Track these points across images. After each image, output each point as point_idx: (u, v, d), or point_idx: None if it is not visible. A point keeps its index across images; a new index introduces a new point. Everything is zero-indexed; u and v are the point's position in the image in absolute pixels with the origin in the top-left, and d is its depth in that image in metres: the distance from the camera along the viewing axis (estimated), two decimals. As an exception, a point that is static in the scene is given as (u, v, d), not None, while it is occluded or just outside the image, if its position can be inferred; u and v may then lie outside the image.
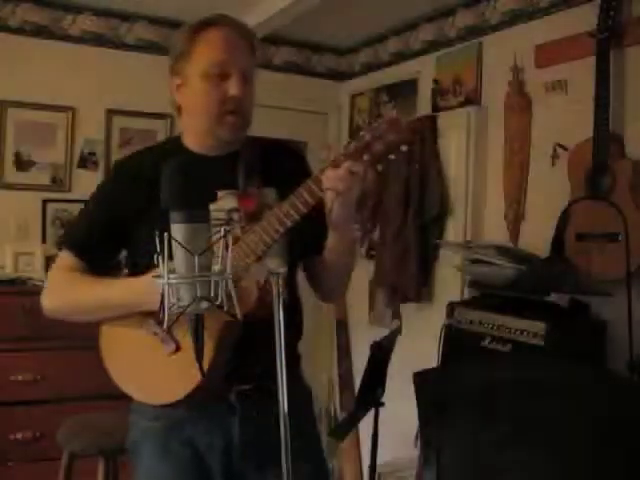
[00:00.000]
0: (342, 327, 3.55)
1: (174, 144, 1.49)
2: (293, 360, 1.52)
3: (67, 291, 1.46)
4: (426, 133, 3.33)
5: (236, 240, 1.28)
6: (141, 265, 1.34)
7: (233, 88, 1.36)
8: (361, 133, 1.22)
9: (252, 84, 1.42)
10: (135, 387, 1.40)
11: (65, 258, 1.49)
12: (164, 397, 1.34)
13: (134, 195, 1.41)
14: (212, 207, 1.35)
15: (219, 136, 1.41)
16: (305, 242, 1.41)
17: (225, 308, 0.99)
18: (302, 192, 1.24)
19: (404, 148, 1.20)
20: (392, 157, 1.21)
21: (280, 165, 1.46)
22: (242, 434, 1.42)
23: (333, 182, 1.22)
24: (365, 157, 1.20)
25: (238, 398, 1.42)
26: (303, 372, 1.58)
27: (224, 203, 1.39)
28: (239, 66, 1.37)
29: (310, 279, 1.55)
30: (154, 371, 1.36)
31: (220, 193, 1.39)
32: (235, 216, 1.38)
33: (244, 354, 1.33)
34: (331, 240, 1.39)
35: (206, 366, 1.24)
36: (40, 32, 3.51)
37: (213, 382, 1.31)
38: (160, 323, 1.21)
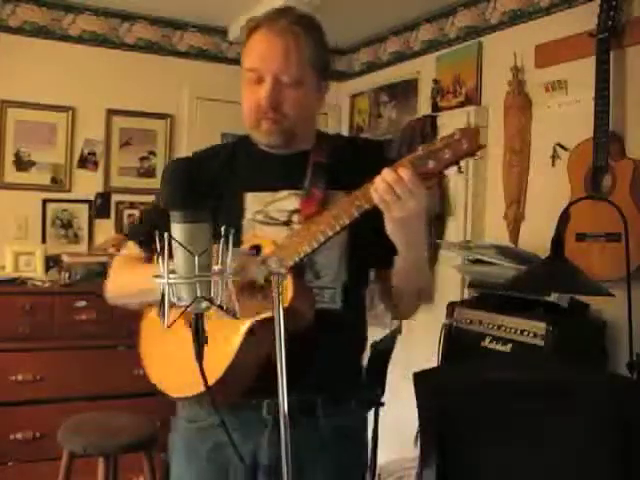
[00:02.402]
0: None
1: (241, 143, 1.46)
2: (349, 377, 1.45)
3: (122, 275, 1.45)
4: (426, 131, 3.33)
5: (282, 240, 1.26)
6: None
7: (262, 94, 1.33)
8: (435, 140, 1.18)
9: (298, 86, 1.34)
10: (160, 377, 1.37)
11: (130, 247, 1.48)
12: (183, 390, 1.30)
13: (191, 194, 1.38)
14: (273, 207, 1.36)
15: (257, 140, 1.40)
16: (372, 254, 1.36)
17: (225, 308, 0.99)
18: (357, 194, 1.19)
19: (474, 157, 1.16)
20: (461, 169, 1.18)
21: (353, 165, 1.37)
22: (270, 453, 1.34)
23: (379, 182, 1.15)
24: (430, 164, 1.15)
25: (270, 411, 1.34)
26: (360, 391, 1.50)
27: (287, 203, 1.36)
28: (272, 71, 1.32)
29: (381, 296, 1.49)
30: (181, 363, 1.28)
31: (283, 193, 1.36)
32: (295, 218, 1.34)
33: (287, 362, 1.26)
34: (398, 256, 1.31)
35: (224, 366, 1.24)
36: (40, 32, 3.52)
37: (234, 386, 1.26)
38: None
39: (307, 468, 1.34)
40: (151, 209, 1.55)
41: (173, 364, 1.32)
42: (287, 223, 1.35)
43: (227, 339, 1.24)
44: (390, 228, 1.20)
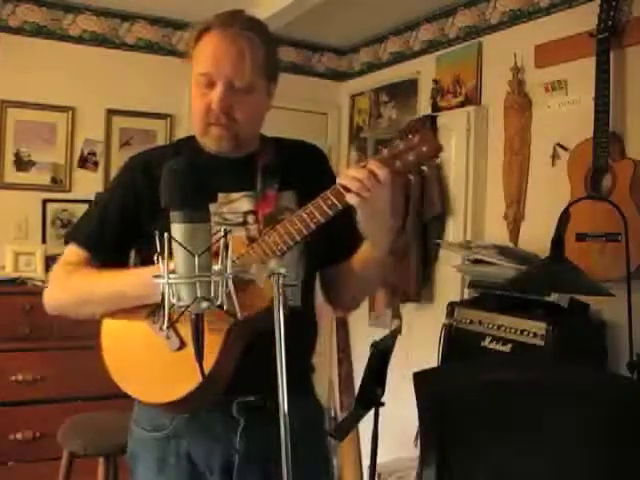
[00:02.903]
0: (342, 327, 3.54)
1: (189, 143, 1.44)
2: (305, 373, 1.48)
3: (71, 284, 1.39)
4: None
5: (252, 240, 1.26)
6: (150, 262, 1.30)
7: (214, 98, 1.31)
8: (395, 142, 1.20)
9: (250, 91, 1.34)
10: (134, 385, 1.34)
11: (72, 253, 1.43)
12: (164, 396, 1.28)
13: (146, 190, 1.35)
14: (226, 208, 1.35)
15: (206, 145, 1.39)
16: (331, 248, 1.38)
17: (225, 308, 0.99)
18: (329, 194, 1.20)
19: (434, 161, 1.20)
20: (425, 169, 1.21)
21: (300, 166, 1.42)
22: (243, 452, 1.35)
23: (351, 180, 1.18)
24: (397, 164, 1.18)
25: (240, 410, 1.35)
26: (314, 386, 1.53)
27: (240, 205, 1.36)
28: (225, 76, 1.31)
29: (324, 286, 1.50)
30: (156, 368, 1.30)
31: (236, 195, 1.37)
32: (250, 218, 1.35)
33: (252, 362, 1.24)
34: (363, 249, 1.35)
35: (208, 367, 1.20)
36: (40, 32, 3.52)
37: (216, 386, 1.26)
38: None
39: (273, 462, 1.31)
40: (94, 208, 1.50)
41: (147, 370, 1.31)
42: (242, 224, 1.35)
43: (207, 342, 1.19)
44: (365, 223, 1.24)
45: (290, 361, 1.26)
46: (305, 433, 1.35)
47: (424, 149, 1.17)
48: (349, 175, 1.18)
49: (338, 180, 1.20)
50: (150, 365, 1.31)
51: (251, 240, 1.27)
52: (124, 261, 1.42)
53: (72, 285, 1.39)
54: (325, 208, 1.20)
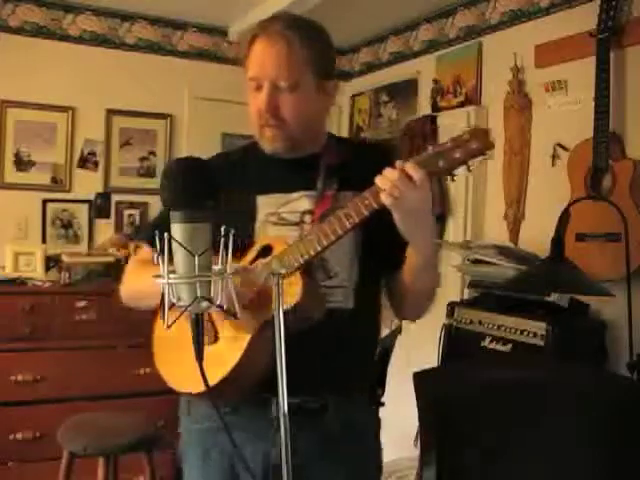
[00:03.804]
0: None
1: (251, 148, 1.47)
2: (362, 382, 1.46)
3: (131, 278, 1.48)
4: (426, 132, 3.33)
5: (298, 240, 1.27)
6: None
7: (261, 101, 1.35)
8: (446, 140, 1.18)
9: (294, 89, 1.34)
10: (171, 374, 1.38)
11: (141, 250, 1.51)
12: (192, 387, 1.29)
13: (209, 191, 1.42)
14: (285, 208, 1.37)
15: (264, 147, 1.41)
16: (384, 255, 1.36)
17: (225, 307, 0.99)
18: (366, 194, 1.19)
19: (484, 156, 1.16)
20: (471, 167, 1.17)
21: (363, 167, 1.33)
22: (279, 451, 1.36)
23: (383, 181, 1.16)
24: (441, 163, 1.16)
25: (279, 410, 1.36)
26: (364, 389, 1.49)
27: (299, 204, 1.37)
28: (268, 77, 1.34)
29: (389, 297, 1.48)
30: (191, 360, 1.33)
31: (295, 194, 1.38)
32: (307, 218, 1.36)
33: (292, 362, 1.27)
34: (408, 254, 1.32)
35: (232, 364, 1.25)
36: (40, 32, 3.52)
37: (242, 382, 1.28)
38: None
39: (315, 467, 1.35)
40: (164, 208, 1.56)
41: (183, 361, 1.30)
42: (299, 223, 1.36)
43: (238, 336, 1.26)
44: (401, 224, 1.21)
45: (344, 363, 1.29)
46: (349, 438, 1.37)
47: (473, 146, 1.14)
48: (384, 175, 1.17)
49: (375, 180, 1.19)
50: (186, 356, 1.33)
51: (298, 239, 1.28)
52: None
53: (131, 280, 1.48)
54: (361, 208, 1.19)
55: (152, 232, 1.43)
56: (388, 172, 1.17)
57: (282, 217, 1.37)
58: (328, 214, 1.28)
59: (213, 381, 1.23)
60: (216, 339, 1.30)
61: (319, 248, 1.23)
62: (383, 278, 1.45)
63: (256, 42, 1.37)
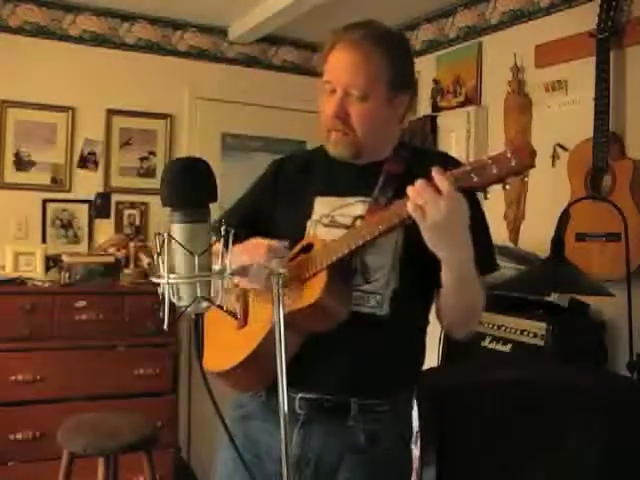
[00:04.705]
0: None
1: (320, 151, 1.49)
2: (392, 388, 1.43)
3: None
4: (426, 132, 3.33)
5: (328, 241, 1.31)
6: None
7: (332, 106, 1.37)
8: (485, 156, 1.16)
9: (365, 99, 1.35)
10: (206, 355, 1.42)
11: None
12: (217, 366, 1.37)
13: (274, 192, 1.49)
14: (339, 212, 1.40)
15: (328, 150, 1.43)
16: (425, 269, 1.33)
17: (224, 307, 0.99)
18: (398, 203, 1.20)
19: (522, 176, 1.12)
20: (507, 187, 1.13)
21: (421, 176, 1.32)
22: (301, 449, 1.37)
23: (411, 190, 1.16)
24: (474, 179, 1.13)
25: (302, 406, 1.37)
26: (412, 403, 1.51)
27: (353, 209, 1.39)
28: (341, 84, 1.36)
29: (437, 314, 1.46)
30: (222, 342, 1.39)
31: (352, 199, 1.40)
32: (358, 223, 1.36)
33: (316, 360, 1.29)
34: (442, 272, 1.28)
35: (250, 350, 1.31)
36: (40, 32, 3.51)
37: (259, 369, 1.32)
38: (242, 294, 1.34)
39: (333, 469, 1.36)
40: (242, 196, 1.62)
41: (216, 343, 1.41)
42: (349, 227, 1.37)
43: (262, 325, 1.31)
44: (426, 236, 1.19)
45: (372, 368, 1.32)
46: (371, 444, 1.37)
47: (512, 163, 1.10)
48: (415, 184, 1.16)
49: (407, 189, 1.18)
50: (219, 338, 1.41)
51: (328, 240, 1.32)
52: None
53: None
54: (391, 216, 1.21)
55: (220, 216, 1.50)
56: (419, 182, 1.16)
57: (334, 220, 1.40)
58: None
59: (228, 364, 1.34)
60: (245, 324, 1.37)
61: (347, 251, 1.25)
62: (431, 294, 1.43)
63: (336, 47, 1.40)
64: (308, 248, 1.34)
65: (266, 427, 1.39)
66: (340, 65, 1.38)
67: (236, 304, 1.39)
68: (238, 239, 1.40)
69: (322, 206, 1.42)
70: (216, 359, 1.38)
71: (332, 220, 1.40)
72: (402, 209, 1.18)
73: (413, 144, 1.55)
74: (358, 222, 1.36)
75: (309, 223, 1.41)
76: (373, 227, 1.23)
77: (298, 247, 1.35)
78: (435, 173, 1.15)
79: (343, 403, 1.35)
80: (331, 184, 1.44)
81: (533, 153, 1.10)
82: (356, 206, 1.39)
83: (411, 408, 1.55)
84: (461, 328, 1.45)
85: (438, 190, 1.14)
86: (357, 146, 1.39)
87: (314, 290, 1.25)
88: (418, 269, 1.34)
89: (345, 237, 1.28)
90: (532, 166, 1.10)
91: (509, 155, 1.11)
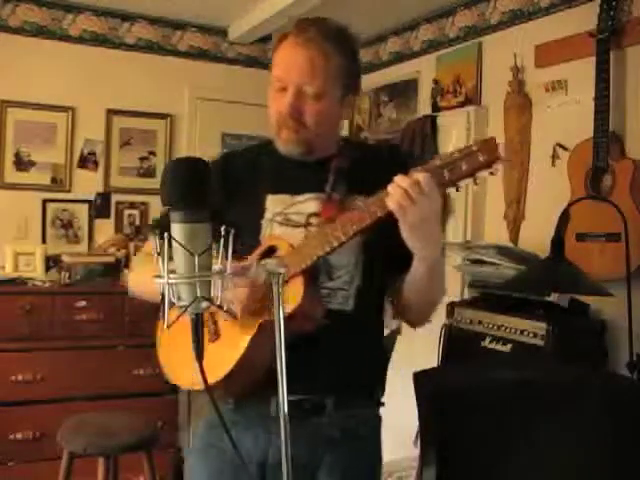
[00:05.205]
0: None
1: (266, 146, 1.48)
2: (361, 383, 1.44)
3: (138, 271, 1.50)
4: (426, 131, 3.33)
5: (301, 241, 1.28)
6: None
7: (284, 103, 1.35)
8: (450, 151, 1.17)
9: (319, 98, 1.34)
10: (170, 367, 1.39)
11: (150, 242, 1.52)
12: (188, 382, 1.32)
13: (224, 192, 1.40)
14: (293, 209, 1.38)
15: (278, 147, 1.41)
16: (389, 258, 1.36)
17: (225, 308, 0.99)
18: (374, 201, 1.19)
19: (490, 169, 1.13)
20: (476, 182, 1.14)
21: (373, 170, 1.35)
22: (277, 449, 1.30)
23: (394, 188, 1.15)
24: (445, 174, 1.14)
25: (279, 409, 1.37)
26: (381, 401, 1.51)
27: (305, 207, 1.38)
28: (295, 81, 1.33)
29: (392, 300, 1.48)
30: (189, 355, 1.35)
31: (303, 196, 1.39)
32: (313, 220, 1.36)
33: (293, 362, 1.27)
34: (413, 264, 1.29)
35: (233, 362, 1.26)
36: (40, 32, 3.52)
37: (241, 381, 1.30)
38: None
39: (312, 468, 1.36)
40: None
41: (182, 356, 1.31)
42: (304, 225, 1.36)
43: (239, 335, 1.27)
44: (406, 233, 1.19)
45: (344, 365, 1.31)
46: (347, 441, 1.38)
47: (480, 158, 1.12)
48: (395, 182, 1.16)
49: (388, 187, 1.17)
50: (186, 351, 1.35)
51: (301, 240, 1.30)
52: None
53: (135, 274, 1.52)
54: (367, 216, 1.20)
55: (162, 223, 1.47)
56: (399, 179, 1.16)
57: (288, 218, 1.38)
58: (334, 218, 1.28)
59: (213, 380, 1.23)
60: (217, 337, 1.32)
61: (322, 254, 1.23)
62: (388, 280, 1.44)
63: (288, 42, 1.36)
64: (271, 252, 1.31)
65: (242, 434, 1.37)
66: (294, 62, 1.34)
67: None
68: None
69: (274, 204, 1.40)
70: (186, 374, 1.28)
71: (286, 218, 1.38)
72: (376, 207, 1.18)
73: (356, 139, 1.54)
74: (313, 219, 1.36)
75: (263, 222, 1.40)
76: (347, 227, 1.21)
77: (260, 250, 1.32)
78: (420, 171, 1.15)
79: (319, 402, 1.36)
80: (281, 181, 1.42)
81: (498, 145, 1.12)
82: (308, 203, 1.38)
83: (382, 403, 1.55)
84: (422, 317, 1.47)
85: (421, 187, 1.14)
86: (309, 143, 1.38)
87: (292, 296, 1.22)
88: (380, 260, 1.36)
89: (315, 239, 1.25)
90: (499, 158, 1.12)
91: (475, 149, 1.12)
